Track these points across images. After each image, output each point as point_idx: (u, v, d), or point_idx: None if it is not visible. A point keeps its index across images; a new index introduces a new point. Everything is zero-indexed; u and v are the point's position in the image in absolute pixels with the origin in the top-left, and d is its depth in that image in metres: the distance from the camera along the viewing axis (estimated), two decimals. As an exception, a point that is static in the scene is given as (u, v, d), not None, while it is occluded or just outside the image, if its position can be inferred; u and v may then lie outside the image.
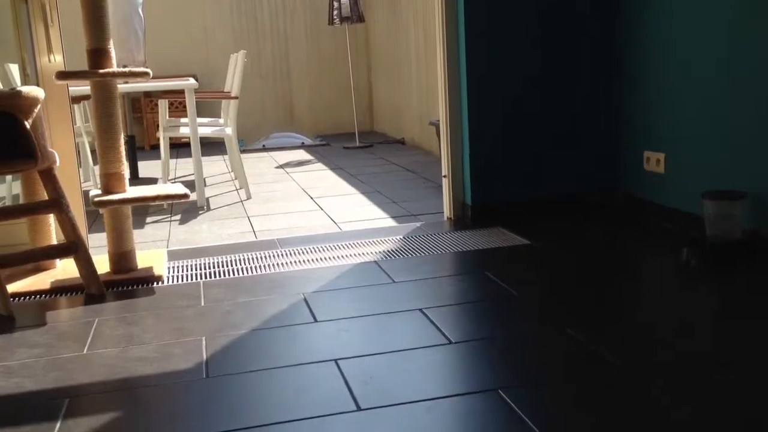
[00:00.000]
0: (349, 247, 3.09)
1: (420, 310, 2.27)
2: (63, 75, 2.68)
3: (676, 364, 1.79)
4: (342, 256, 2.94)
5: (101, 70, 2.65)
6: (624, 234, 3.08)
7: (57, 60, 3.04)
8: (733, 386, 1.66)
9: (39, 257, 2.70)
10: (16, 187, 3.52)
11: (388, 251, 2.98)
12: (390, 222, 3.64)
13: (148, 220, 3.99)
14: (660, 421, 1.53)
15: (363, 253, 2.97)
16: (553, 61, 3.40)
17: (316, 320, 2.23)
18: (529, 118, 3.42)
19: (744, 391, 1.64)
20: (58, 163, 2.62)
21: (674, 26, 3.03)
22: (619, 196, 3.50)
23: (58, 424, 1.65)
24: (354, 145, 7.02)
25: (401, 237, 3.21)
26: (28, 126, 2.48)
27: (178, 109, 7.30)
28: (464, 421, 1.58)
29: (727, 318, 2.09)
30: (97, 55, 2.67)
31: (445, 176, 3.52)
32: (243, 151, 6.49)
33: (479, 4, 3.28)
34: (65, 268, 2.86)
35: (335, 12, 6.78)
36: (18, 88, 2.51)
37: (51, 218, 2.83)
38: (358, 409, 1.65)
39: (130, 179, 2.83)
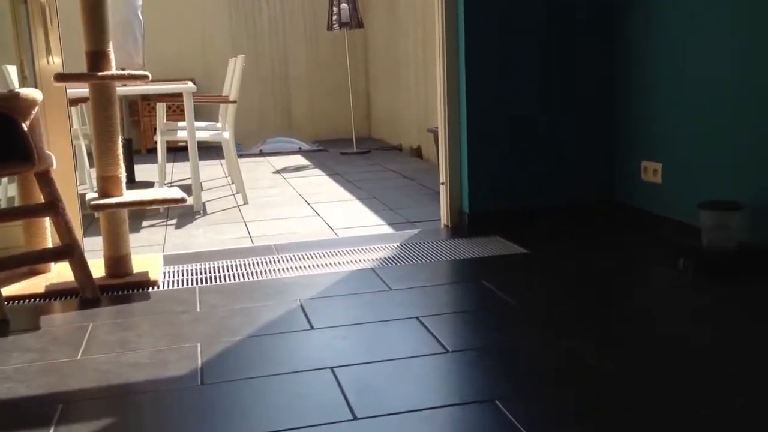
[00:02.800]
0: (346, 253, 3.08)
1: (416, 318, 2.27)
2: (62, 77, 2.67)
3: (673, 375, 1.79)
4: (339, 263, 2.93)
5: (100, 73, 2.64)
6: (621, 243, 3.07)
7: (56, 62, 3.03)
8: (732, 396, 1.66)
9: (34, 260, 2.69)
10: (12, 190, 3.50)
11: (385, 258, 2.97)
12: (387, 229, 3.63)
13: (144, 223, 3.98)
14: (659, 430, 1.52)
15: (360, 260, 2.96)
16: (552, 69, 3.40)
17: (312, 327, 2.22)
18: (527, 127, 3.42)
19: (742, 402, 1.63)
20: (54, 166, 2.61)
21: (673, 38, 3.04)
22: (617, 206, 3.50)
23: (51, 430, 1.64)
24: (351, 151, 7.01)
25: (398, 244, 3.21)
26: (25, 128, 2.47)
27: (175, 112, 7.29)
28: (461, 432, 1.58)
29: (723, 327, 2.09)
30: (97, 57, 2.66)
31: (442, 183, 3.52)
32: (240, 156, 6.48)
33: (479, 12, 3.28)
34: (60, 272, 2.85)
35: (334, 17, 6.78)
36: (16, 90, 2.50)
37: (47, 221, 2.81)
38: (354, 418, 1.64)
39: (126, 183, 2.82)
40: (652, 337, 2.05)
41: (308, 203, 4.43)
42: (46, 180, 2.57)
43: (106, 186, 2.72)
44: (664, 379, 1.77)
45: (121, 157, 2.76)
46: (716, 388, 1.71)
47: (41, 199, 2.62)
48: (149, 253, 3.23)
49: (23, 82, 3.11)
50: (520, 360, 1.93)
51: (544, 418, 1.61)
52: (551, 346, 2.01)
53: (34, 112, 2.56)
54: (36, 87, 3.02)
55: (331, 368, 1.91)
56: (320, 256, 3.05)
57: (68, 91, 3.17)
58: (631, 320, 2.20)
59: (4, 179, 3.60)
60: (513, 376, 1.83)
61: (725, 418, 1.58)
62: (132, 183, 5.32)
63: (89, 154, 4.67)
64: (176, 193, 2.79)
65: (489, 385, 1.78)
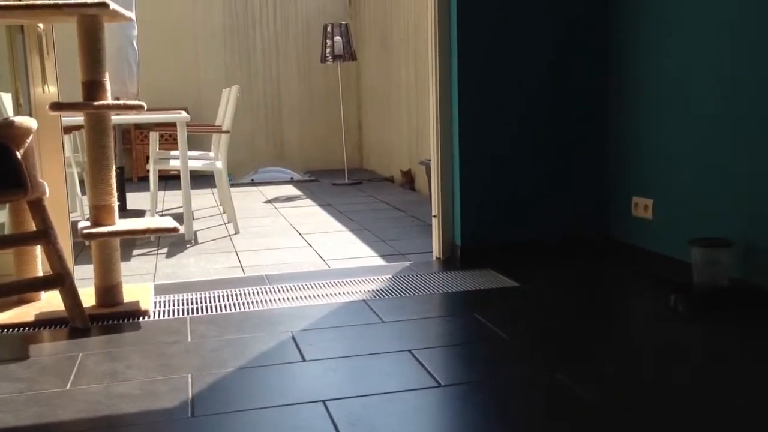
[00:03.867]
0: (338, 285, 3.08)
1: (409, 351, 2.26)
2: (57, 106, 2.68)
3: (666, 411, 1.78)
4: (330, 294, 2.93)
5: (96, 103, 2.65)
6: (612, 279, 3.09)
7: (51, 91, 3.04)
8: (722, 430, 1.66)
9: (24, 289, 2.67)
10: (2, 216, 3.49)
11: (377, 290, 2.97)
12: (378, 261, 3.63)
13: (135, 252, 3.97)
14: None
15: (352, 292, 2.95)
16: (544, 104, 3.44)
17: (304, 359, 2.21)
18: (520, 161, 3.45)
19: (734, 442, 1.63)
20: (47, 194, 2.61)
21: (664, 74, 3.09)
22: (608, 241, 3.52)
23: (38, 462, 1.61)
24: (343, 181, 7.03)
25: (390, 276, 3.21)
26: (19, 156, 2.47)
27: (167, 141, 7.31)
28: (454, 467, 1.56)
29: (713, 363, 2.09)
30: (92, 87, 2.68)
31: (435, 216, 3.53)
32: (232, 185, 6.49)
33: (472, 46, 3.33)
34: (50, 300, 2.83)
35: (328, 50, 6.85)
36: (12, 118, 2.50)
37: (38, 249, 2.80)
38: (346, 452, 1.63)
39: (118, 211, 2.82)
40: (644, 373, 2.05)
41: (300, 234, 4.43)
42: (38, 208, 2.57)
43: (99, 215, 2.72)
44: (657, 415, 1.77)
45: (114, 186, 2.76)
46: (702, 425, 1.71)
47: (33, 227, 2.61)
48: (140, 283, 3.22)
49: (18, 110, 3.12)
50: (513, 394, 1.93)
51: (538, 454, 1.60)
52: (543, 381, 2.00)
53: (28, 141, 2.56)
54: (31, 115, 3.03)
55: (323, 401, 1.90)
56: (312, 287, 3.04)
57: (62, 119, 3.18)
58: (623, 356, 2.20)
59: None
60: (505, 411, 1.83)
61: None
62: (123, 211, 5.30)
63: (81, 182, 4.67)
64: (168, 222, 2.79)
65: (482, 421, 1.78)
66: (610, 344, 2.31)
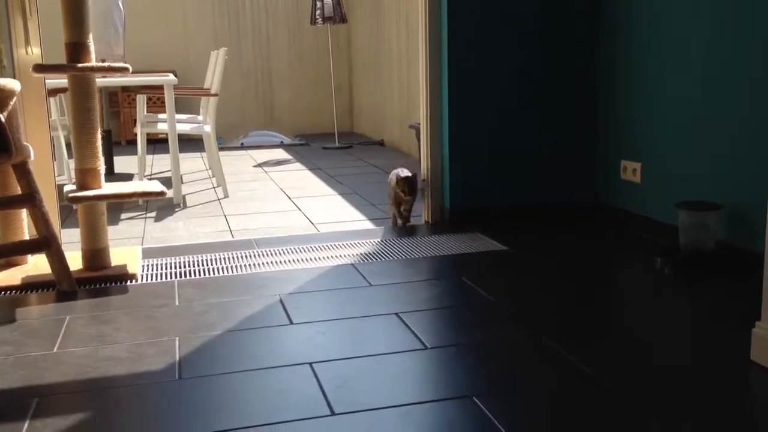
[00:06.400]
0: (327, 248, 3.08)
1: (396, 314, 2.27)
2: (41, 68, 2.64)
3: (649, 373, 1.81)
4: (319, 258, 2.93)
5: (80, 65, 2.61)
6: (600, 242, 3.10)
7: (34, 52, 2.99)
8: (703, 393, 1.68)
9: (10, 252, 2.66)
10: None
11: (366, 254, 2.97)
12: (368, 224, 3.63)
13: (123, 216, 3.95)
14: (635, 416, 1.54)
15: (340, 255, 2.96)
16: (534, 67, 3.42)
17: (291, 322, 2.22)
18: (509, 125, 3.43)
19: (712, 399, 1.66)
20: (32, 157, 2.58)
21: (653, 40, 3.06)
22: (597, 205, 3.53)
23: (26, 424, 1.62)
24: (333, 145, 7.00)
25: (379, 240, 3.21)
26: (2, 119, 2.44)
27: (156, 104, 7.24)
28: (438, 428, 1.58)
29: (697, 326, 2.11)
30: (76, 48, 2.63)
31: (424, 180, 3.52)
32: (221, 149, 6.45)
33: (462, 7, 3.29)
34: (36, 264, 2.82)
35: (318, 12, 6.76)
36: (-7, 80, 2.46)
37: (24, 213, 2.78)
38: (332, 413, 1.64)
39: (105, 175, 2.80)
40: (629, 335, 2.07)
41: (289, 197, 4.42)
42: (23, 171, 2.54)
43: (85, 178, 2.70)
44: (641, 377, 1.79)
45: (100, 149, 2.73)
46: (689, 385, 1.74)
47: (18, 190, 2.59)
48: (128, 246, 3.21)
49: (1, 72, 3.07)
50: (499, 357, 1.94)
51: (521, 415, 1.62)
52: (529, 344, 2.02)
53: (12, 103, 2.52)
54: (14, 77, 2.99)
55: (310, 363, 1.91)
56: (300, 251, 3.04)
57: (47, 81, 3.14)
58: (608, 319, 2.22)
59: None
60: (491, 374, 1.84)
61: (701, 415, 1.60)
62: (111, 175, 5.27)
63: (68, 145, 4.63)
64: (156, 186, 2.77)
65: (467, 382, 1.79)
66: (597, 307, 2.33)
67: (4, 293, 2.57)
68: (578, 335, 2.07)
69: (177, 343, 2.07)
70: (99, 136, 2.72)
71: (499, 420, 1.59)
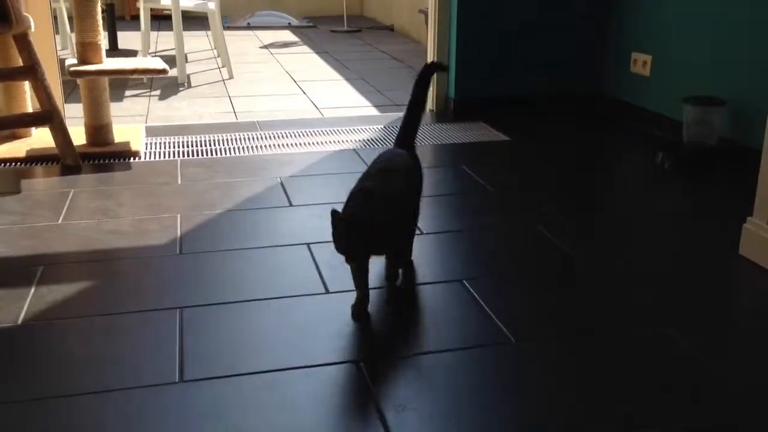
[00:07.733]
0: (330, 133, 3.08)
1: (395, 199, 2.29)
2: (37, -66, 2.55)
3: (637, 262, 1.85)
4: (322, 142, 2.93)
5: (78, -68, 2.52)
6: (604, 134, 3.09)
7: None
8: (688, 283, 1.73)
9: (13, 124, 2.67)
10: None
11: (369, 140, 2.97)
12: (372, 111, 3.61)
13: (127, 93, 3.93)
14: (620, 306, 1.59)
15: (343, 141, 2.96)
16: (549, -47, 3.29)
17: (291, 204, 2.26)
18: (518, 14, 3.34)
19: (699, 292, 1.70)
20: (33, 29, 2.54)
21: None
22: (604, 97, 3.48)
23: (32, 290, 1.69)
24: (342, 29, 6.84)
25: (382, 126, 3.20)
26: (0, -13, 2.39)
27: (160, -21, 7.02)
28: (429, 310, 1.64)
29: (690, 220, 2.14)
30: None
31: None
32: (227, 28, 6.31)
33: None
34: (40, 138, 2.83)
35: None
36: (-11, -54, 2.39)
37: (26, 86, 2.77)
38: (327, 291, 1.70)
39: (108, 50, 2.76)
40: (623, 227, 2.10)
41: (295, 81, 4.37)
42: (24, 43, 2.51)
43: (86, 52, 2.67)
44: (630, 265, 1.83)
45: (100, 23, 2.68)
46: (676, 270, 1.78)
47: (20, 63, 2.56)
48: (131, 124, 3.21)
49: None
50: (493, 244, 1.98)
51: (507, 297, 1.67)
52: (524, 232, 2.06)
53: (9, -29, 2.46)
54: (12, -57, 2.89)
55: (307, 244, 1.96)
56: (304, 135, 3.04)
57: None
58: (604, 210, 2.25)
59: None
60: (482, 258, 1.89)
61: (683, 300, 1.65)
62: (114, 50, 5.19)
63: (70, 18, 4.53)
64: (158, 63, 2.74)
65: (459, 267, 1.84)
66: (594, 198, 2.35)
67: (10, 165, 2.60)
68: (573, 225, 2.10)
69: (178, 219, 2.12)
70: (99, 8, 2.66)
71: (485, 301, 1.64)
